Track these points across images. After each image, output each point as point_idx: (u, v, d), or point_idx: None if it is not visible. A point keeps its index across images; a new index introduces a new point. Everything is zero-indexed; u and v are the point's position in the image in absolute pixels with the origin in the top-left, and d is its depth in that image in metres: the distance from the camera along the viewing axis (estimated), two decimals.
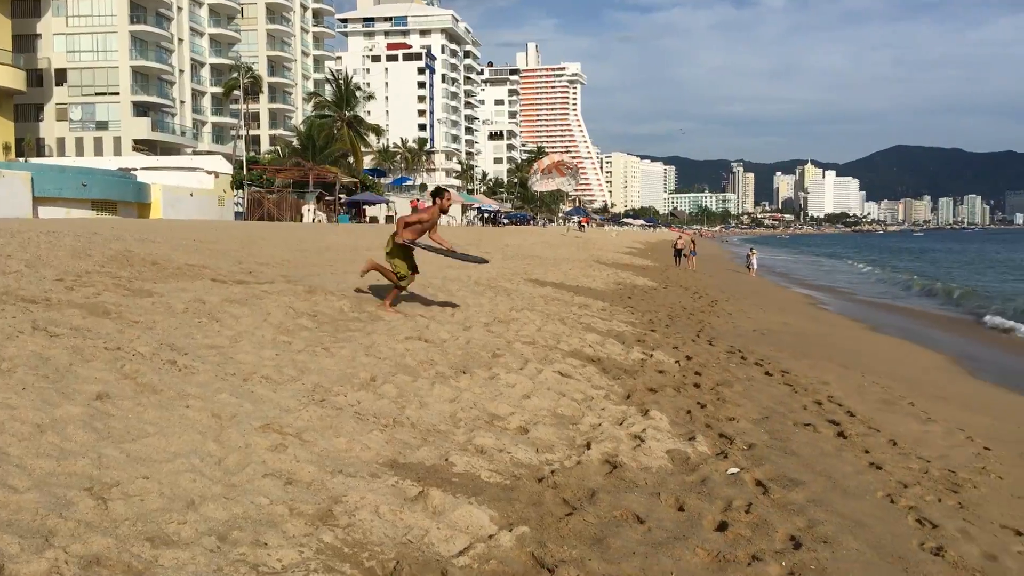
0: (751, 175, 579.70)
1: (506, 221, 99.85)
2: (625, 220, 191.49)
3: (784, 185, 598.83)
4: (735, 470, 6.13)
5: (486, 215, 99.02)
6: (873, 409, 9.64)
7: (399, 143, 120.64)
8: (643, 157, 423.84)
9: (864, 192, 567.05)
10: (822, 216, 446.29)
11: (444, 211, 10.61)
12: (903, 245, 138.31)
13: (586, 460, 5.89)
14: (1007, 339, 21.15)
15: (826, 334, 18.41)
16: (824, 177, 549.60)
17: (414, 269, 10.73)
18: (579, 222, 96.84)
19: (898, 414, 9.67)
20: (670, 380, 9.51)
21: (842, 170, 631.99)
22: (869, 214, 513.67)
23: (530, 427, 6.47)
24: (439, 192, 10.68)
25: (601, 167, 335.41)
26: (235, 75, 78.50)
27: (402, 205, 75.37)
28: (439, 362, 8.18)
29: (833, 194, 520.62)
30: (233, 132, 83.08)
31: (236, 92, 78.45)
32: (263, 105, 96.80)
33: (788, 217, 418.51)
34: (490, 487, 5.06)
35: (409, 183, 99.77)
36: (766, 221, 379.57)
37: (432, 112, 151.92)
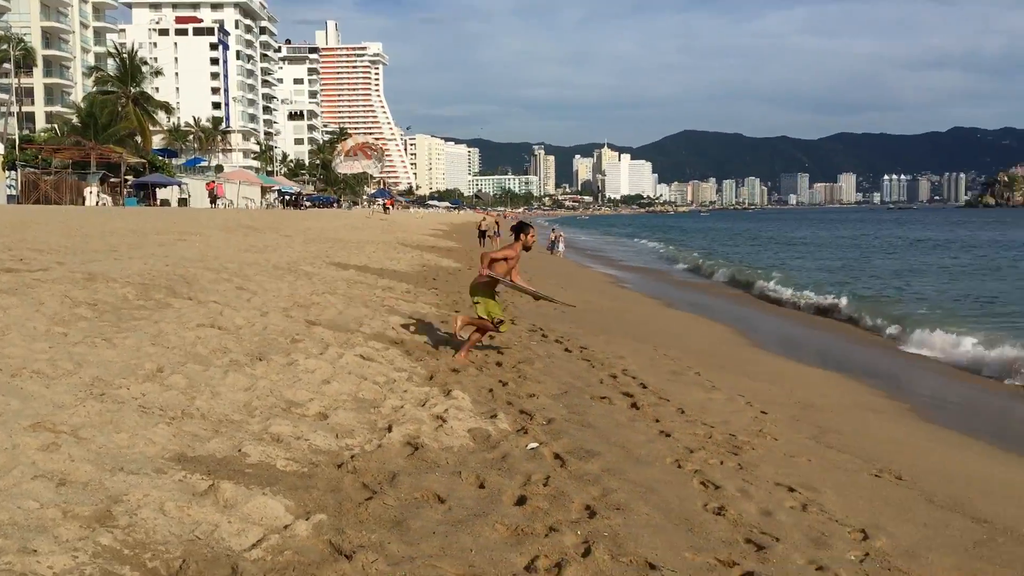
0: (552, 158, 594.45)
1: (308, 204, 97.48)
2: (430, 202, 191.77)
3: (583, 168, 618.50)
4: (535, 445, 6.27)
5: (287, 197, 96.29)
6: (664, 380, 10.15)
7: (192, 122, 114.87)
8: (447, 139, 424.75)
9: (656, 174, 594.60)
10: (619, 197, 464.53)
11: (527, 248, 9.61)
12: (692, 225, 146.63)
13: (387, 443, 5.83)
14: (779, 309, 22.89)
15: (623, 311, 19.21)
16: (620, 160, 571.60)
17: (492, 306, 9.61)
18: (384, 204, 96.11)
19: (686, 384, 10.23)
20: (473, 360, 9.58)
21: (636, 153, 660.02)
22: (661, 195, 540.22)
23: (330, 412, 6.33)
24: (522, 228, 9.59)
25: (406, 149, 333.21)
26: (4, 47, 71.93)
27: (196, 187, 71.91)
28: (233, 349, 7.85)
29: (628, 176, 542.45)
30: (3, 108, 76.19)
31: (6, 65, 72.02)
32: (37, 80, 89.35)
33: (587, 199, 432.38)
34: (286, 476, 4.91)
35: (204, 164, 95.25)
36: (567, 203, 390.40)
37: (227, 90, 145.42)
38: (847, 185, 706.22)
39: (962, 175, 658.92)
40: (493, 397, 7.78)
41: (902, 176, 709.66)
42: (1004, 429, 10.17)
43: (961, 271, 38.00)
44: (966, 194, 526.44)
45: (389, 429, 6.13)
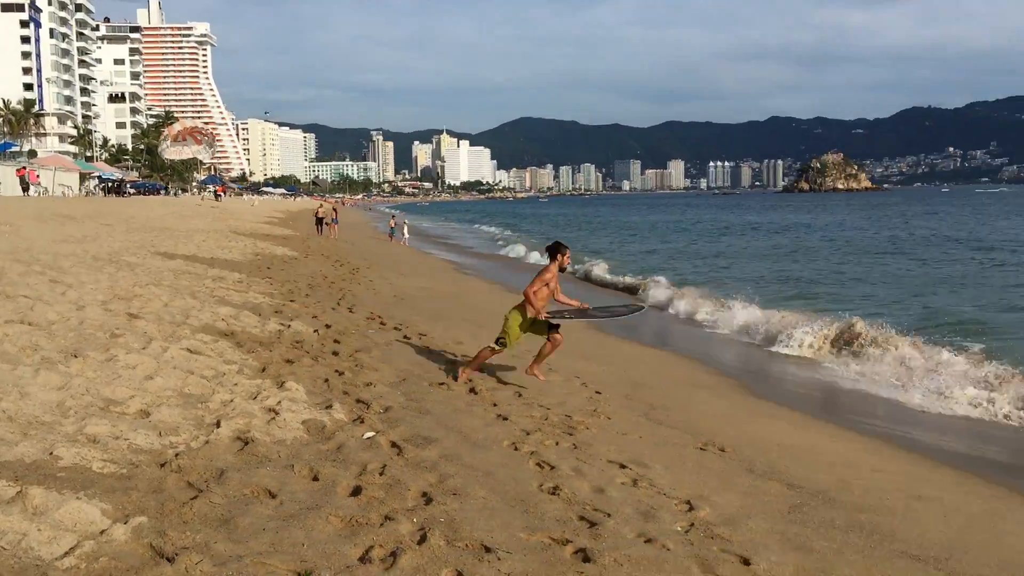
0: (391, 144, 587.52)
1: (132, 191, 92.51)
2: (265, 189, 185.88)
3: (422, 154, 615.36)
4: (371, 434, 6.19)
5: (109, 184, 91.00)
6: (502, 364, 10.25)
7: (1, 105, 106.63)
8: (282, 124, 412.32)
9: (495, 161, 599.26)
10: (458, 184, 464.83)
11: (563, 269, 9.06)
12: (531, 211, 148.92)
13: (215, 439, 5.60)
14: (610, 292, 23.58)
15: (463, 296, 19.30)
16: (459, 146, 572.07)
17: (545, 330, 8.92)
18: (215, 191, 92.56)
19: (524, 367, 10.37)
20: (308, 350, 9.38)
21: (475, 140, 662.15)
22: (500, 182, 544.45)
23: (152, 410, 6.02)
24: (558, 248, 9.00)
25: (238, 134, 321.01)
26: None
27: (6, 174, 66.92)
28: (45, 347, 7.33)
29: (468, 162, 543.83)
30: None
31: None
32: None
33: (427, 185, 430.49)
34: (103, 478, 4.63)
35: (15, 149, 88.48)
36: (407, 189, 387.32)
37: (40, 70, 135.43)
38: (676, 172, 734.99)
39: (779, 162, 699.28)
40: (329, 387, 7.64)
41: (726, 163, 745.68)
42: (810, 398, 10.88)
43: (778, 253, 40.36)
44: (783, 180, 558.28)
45: (217, 424, 5.90)
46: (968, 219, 76.56)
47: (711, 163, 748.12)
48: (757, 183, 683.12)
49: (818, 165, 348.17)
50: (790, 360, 13.67)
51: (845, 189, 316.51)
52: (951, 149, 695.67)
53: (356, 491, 4.92)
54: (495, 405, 7.85)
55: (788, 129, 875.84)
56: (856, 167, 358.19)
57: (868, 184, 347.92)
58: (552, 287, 8.83)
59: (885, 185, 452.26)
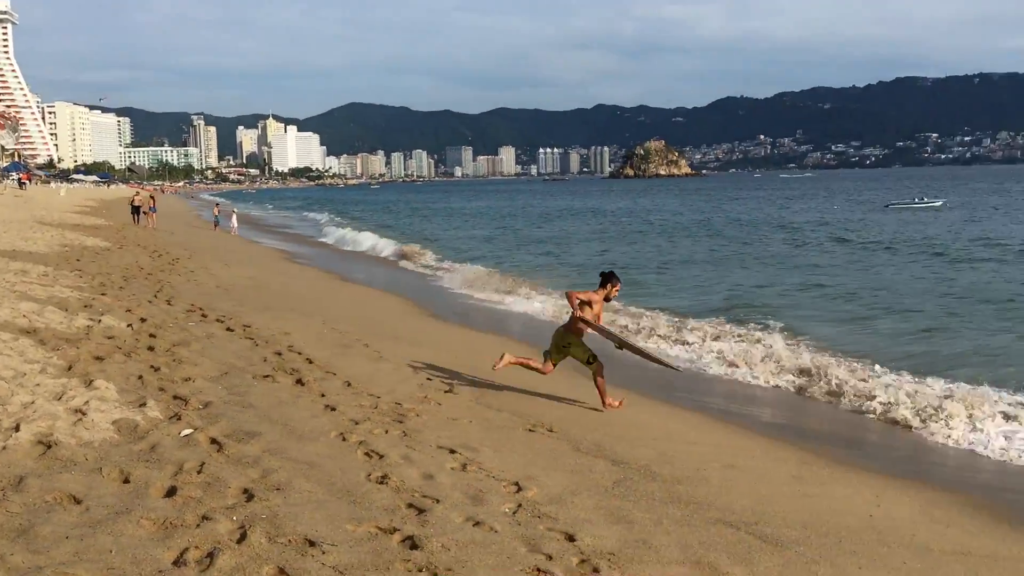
0: (213, 129, 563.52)
1: None
2: (75, 176, 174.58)
3: (248, 140, 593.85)
4: (189, 431, 5.94)
5: None
6: (331, 354, 10.07)
7: None
8: (93, 108, 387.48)
9: (325, 147, 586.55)
10: (287, 170, 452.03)
11: (608, 299, 8.70)
12: (363, 197, 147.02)
13: (14, 444, 5.21)
14: (443, 279, 23.60)
15: (292, 285, 18.81)
16: (287, 132, 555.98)
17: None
18: (19, 179, 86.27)
19: (354, 356, 10.24)
20: (121, 345, 8.88)
21: (303, 125, 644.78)
22: (331, 168, 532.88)
23: None
24: (610, 278, 8.63)
25: (44, 118, 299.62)
26: None
27: None
28: None
29: (296, 149, 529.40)
30: None
31: None
32: None
33: (254, 171, 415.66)
34: None
35: None
36: (232, 176, 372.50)
37: None
38: (507, 158, 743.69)
39: (606, 148, 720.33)
40: (143, 384, 7.26)
41: (555, 149, 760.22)
42: (633, 377, 11.28)
43: (604, 236, 41.67)
44: (610, 166, 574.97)
45: (16, 428, 5.49)
46: (775, 202, 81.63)
47: (541, 149, 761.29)
48: (585, 169, 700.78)
49: (642, 152, 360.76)
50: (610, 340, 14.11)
51: (667, 175, 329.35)
52: (762, 137, 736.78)
53: (171, 492, 4.70)
54: (323, 396, 7.69)
55: (614, 117, 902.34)
56: (677, 154, 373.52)
57: (688, 170, 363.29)
58: (596, 311, 8.80)
59: (703, 171, 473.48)
